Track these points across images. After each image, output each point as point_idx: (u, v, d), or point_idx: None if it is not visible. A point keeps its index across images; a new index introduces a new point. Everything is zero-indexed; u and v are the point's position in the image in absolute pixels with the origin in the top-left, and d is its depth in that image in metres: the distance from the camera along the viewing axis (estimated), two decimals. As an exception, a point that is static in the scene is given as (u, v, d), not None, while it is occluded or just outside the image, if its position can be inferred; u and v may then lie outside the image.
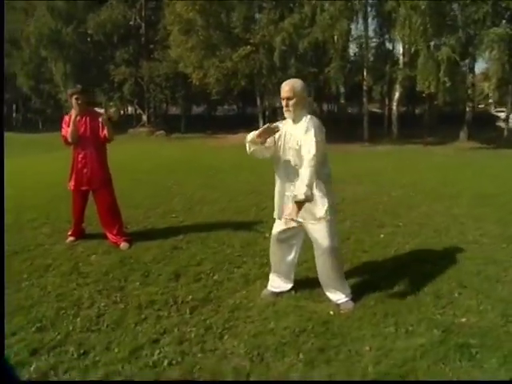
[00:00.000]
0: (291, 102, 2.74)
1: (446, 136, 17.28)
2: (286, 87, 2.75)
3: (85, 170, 4.07)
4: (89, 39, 25.55)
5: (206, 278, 3.33)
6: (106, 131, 4.01)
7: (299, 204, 2.48)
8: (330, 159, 2.91)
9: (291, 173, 2.77)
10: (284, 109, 2.79)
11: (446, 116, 21.04)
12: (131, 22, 24.57)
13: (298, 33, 16.17)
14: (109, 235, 4.20)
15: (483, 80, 15.86)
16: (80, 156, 4.06)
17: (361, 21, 17.42)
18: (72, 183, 4.17)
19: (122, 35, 24.04)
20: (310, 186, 2.48)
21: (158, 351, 2.31)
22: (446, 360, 2.24)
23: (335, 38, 16.07)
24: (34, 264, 3.69)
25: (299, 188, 2.48)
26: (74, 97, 3.94)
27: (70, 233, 4.36)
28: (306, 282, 3.22)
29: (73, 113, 3.98)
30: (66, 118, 4.09)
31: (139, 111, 26.51)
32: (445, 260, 3.73)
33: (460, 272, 3.42)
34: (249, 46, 17.26)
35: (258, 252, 3.87)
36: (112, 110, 4.46)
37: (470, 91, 16.46)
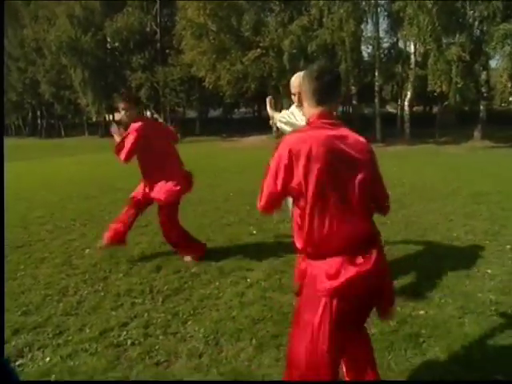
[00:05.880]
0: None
1: (461, 135, 16.97)
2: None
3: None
4: (106, 46, 26.42)
5: (184, 270, 3.54)
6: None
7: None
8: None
9: None
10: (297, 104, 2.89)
11: (463, 115, 20.62)
12: (147, 29, 25.25)
13: (307, 35, 16.28)
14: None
15: (499, 77, 15.45)
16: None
17: (370, 21, 17.36)
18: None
19: (138, 41, 24.75)
20: None
21: (124, 333, 2.54)
22: (392, 348, 2.36)
23: (345, 39, 16.07)
24: (32, 257, 4.00)
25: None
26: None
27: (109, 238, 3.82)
28: (280, 275, 3.38)
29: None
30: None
31: (156, 115, 27.10)
32: (421, 257, 3.81)
33: (432, 268, 3.49)
34: (259, 49, 17.51)
35: (238, 248, 4.05)
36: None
37: (484, 89, 16.13)
